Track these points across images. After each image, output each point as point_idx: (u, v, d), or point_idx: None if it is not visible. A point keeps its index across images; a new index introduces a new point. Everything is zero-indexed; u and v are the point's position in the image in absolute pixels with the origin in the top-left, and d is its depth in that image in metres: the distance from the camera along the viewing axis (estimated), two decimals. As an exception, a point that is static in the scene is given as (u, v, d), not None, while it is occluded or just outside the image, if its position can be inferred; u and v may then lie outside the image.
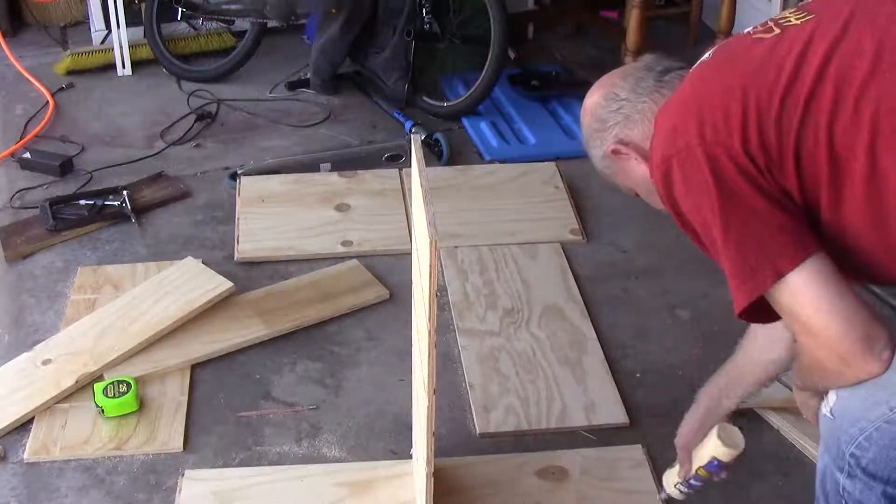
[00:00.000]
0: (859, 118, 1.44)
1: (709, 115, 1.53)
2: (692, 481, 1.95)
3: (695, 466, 1.92)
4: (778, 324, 1.62)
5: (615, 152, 1.71)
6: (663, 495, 2.07)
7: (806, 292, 1.46)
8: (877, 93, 1.44)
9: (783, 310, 1.50)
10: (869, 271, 1.56)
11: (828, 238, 1.52)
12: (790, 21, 1.57)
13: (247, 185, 3.22)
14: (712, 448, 1.87)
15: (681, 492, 2.00)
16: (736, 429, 1.86)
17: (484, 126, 3.60)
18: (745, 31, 1.66)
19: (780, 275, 1.46)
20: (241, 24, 4.04)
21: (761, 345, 1.85)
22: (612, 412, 2.36)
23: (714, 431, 1.86)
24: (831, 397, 1.56)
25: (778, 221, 1.48)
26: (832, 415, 1.56)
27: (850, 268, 1.54)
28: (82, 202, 3.10)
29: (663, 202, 1.62)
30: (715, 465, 1.88)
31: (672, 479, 2.00)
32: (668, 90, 1.68)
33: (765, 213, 1.49)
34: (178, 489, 2.15)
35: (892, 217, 1.46)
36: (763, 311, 1.53)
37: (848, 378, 1.49)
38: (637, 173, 1.73)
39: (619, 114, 1.70)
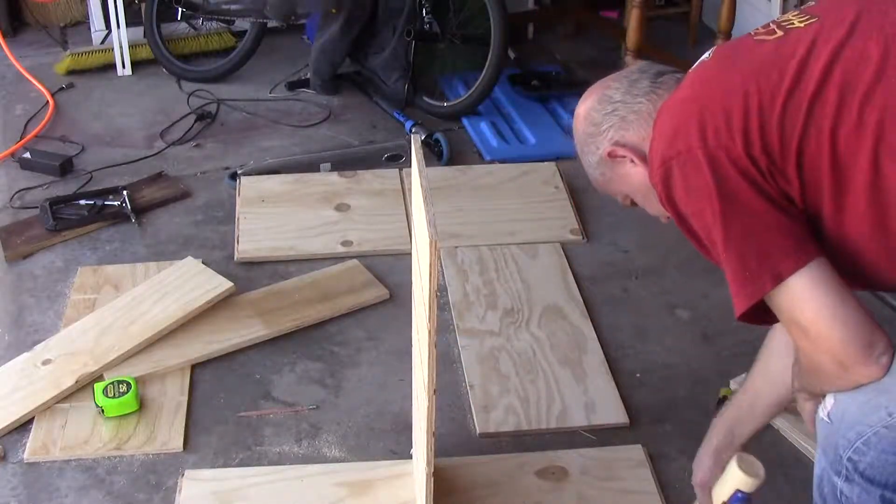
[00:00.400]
0: (863, 125, 1.43)
1: (710, 116, 1.52)
2: None
3: (717, 503, 1.85)
4: (788, 352, 1.63)
5: (611, 155, 1.69)
6: None
7: (806, 297, 1.46)
8: (882, 100, 1.43)
9: (782, 314, 1.50)
10: (870, 279, 1.55)
11: (830, 245, 1.51)
12: (793, 24, 1.56)
13: (247, 185, 3.22)
14: (735, 480, 1.80)
15: None
16: (753, 457, 1.80)
17: (484, 126, 3.60)
18: (747, 33, 1.65)
19: (780, 279, 1.46)
20: (241, 24, 4.04)
21: (772, 376, 1.82)
22: (612, 412, 2.36)
23: (733, 463, 1.79)
24: (828, 401, 1.55)
25: (779, 225, 1.48)
26: (829, 419, 1.54)
27: (852, 275, 1.53)
28: (82, 202, 3.10)
29: (663, 204, 1.60)
30: (738, 498, 1.80)
31: None
32: (665, 91, 1.67)
33: (766, 216, 1.48)
34: (178, 489, 2.15)
35: (894, 225, 1.45)
36: (763, 314, 1.53)
37: (847, 382, 1.49)
38: (635, 177, 1.70)
39: (614, 115, 1.68)
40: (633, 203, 1.79)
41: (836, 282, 1.46)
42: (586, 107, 1.73)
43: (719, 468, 1.84)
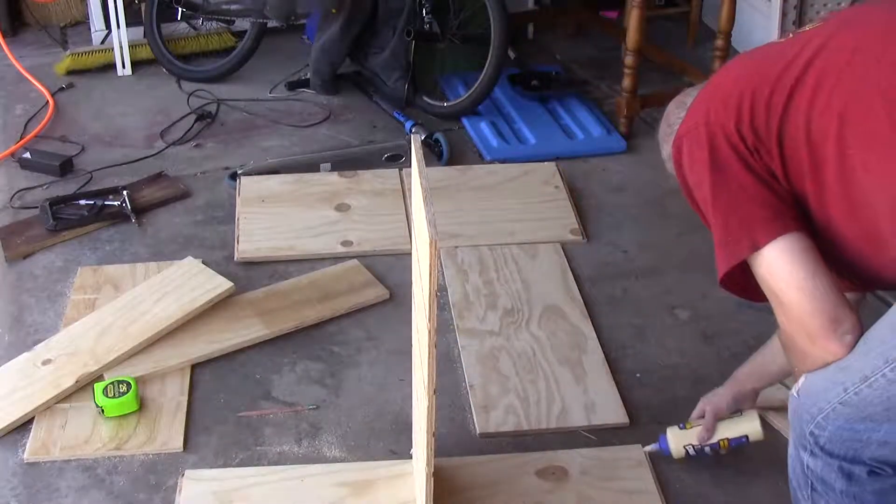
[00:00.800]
0: (831, 107, 1.55)
1: (716, 99, 1.67)
2: (706, 448, 2.10)
3: (719, 436, 2.09)
4: None
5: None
6: (651, 448, 2.17)
7: (779, 266, 1.57)
8: (849, 85, 1.55)
9: (761, 281, 1.62)
10: (859, 270, 1.63)
11: (819, 232, 1.61)
12: (805, 28, 1.72)
13: (247, 185, 3.22)
14: (749, 427, 2.08)
15: (687, 454, 2.12)
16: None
17: (484, 126, 3.60)
18: None
19: (755, 247, 1.58)
20: (241, 24, 4.04)
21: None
22: (612, 412, 2.36)
23: (755, 414, 2.07)
24: (801, 379, 1.65)
25: (762, 198, 1.60)
26: (798, 395, 1.65)
27: (843, 266, 1.63)
28: (82, 202, 3.10)
29: (679, 180, 1.73)
30: (743, 441, 2.09)
31: (684, 440, 2.12)
32: None
33: (751, 189, 1.60)
34: (178, 489, 2.15)
35: (863, 208, 1.54)
36: (745, 285, 1.66)
37: (814, 358, 1.59)
38: None
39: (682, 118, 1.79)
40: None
41: (810, 257, 1.57)
42: (667, 109, 1.87)
43: (734, 407, 2.12)
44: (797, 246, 1.57)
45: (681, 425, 2.15)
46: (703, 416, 2.15)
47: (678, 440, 2.13)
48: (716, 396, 2.14)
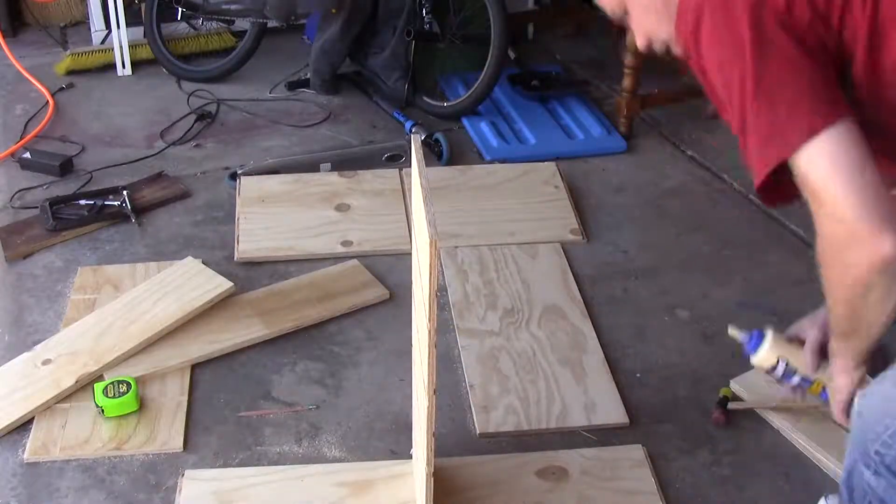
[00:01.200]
0: None
1: None
2: (795, 377, 1.82)
3: (822, 377, 1.81)
4: None
5: None
6: (742, 335, 1.90)
7: (828, 158, 1.40)
8: None
9: (804, 176, 1.43)
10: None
11: (857, 103, 1.44)
12: None
13: (247, 185, 3.22)
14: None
15: (773, 368, 1.87)
16: None
17: (484, 126, 3.60)
18: None
19: (813, 132, 1.39)
20: (241, 24, 4.04)
21: None
22: (612, 412, 2.36)
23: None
24: (858, 399, 1.58)
25: (813, 78, 1.42)
26: (861, 412, 1.57)
27: (881, 150, 1.47)
28: (82, 202, 3.10)
29: (691, 60, 1.54)
30: (825, 397, 1.81)
31: (785, 351, 1.84)
32: None
33: (800, 66, 1.42)
34: (178, 489, 2.15)
35: None
36: (778, 189, 1.48)
37: (858, 264, 1.42)
38: None
39: None
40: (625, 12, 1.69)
41: (860, 148, 1.41)
42: None
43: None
44: (849, 136, 1.39)
45: (783, 339, 1.85)
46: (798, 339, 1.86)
47: (778, 348, 1.83)
48: (814, 325, 1.80)
